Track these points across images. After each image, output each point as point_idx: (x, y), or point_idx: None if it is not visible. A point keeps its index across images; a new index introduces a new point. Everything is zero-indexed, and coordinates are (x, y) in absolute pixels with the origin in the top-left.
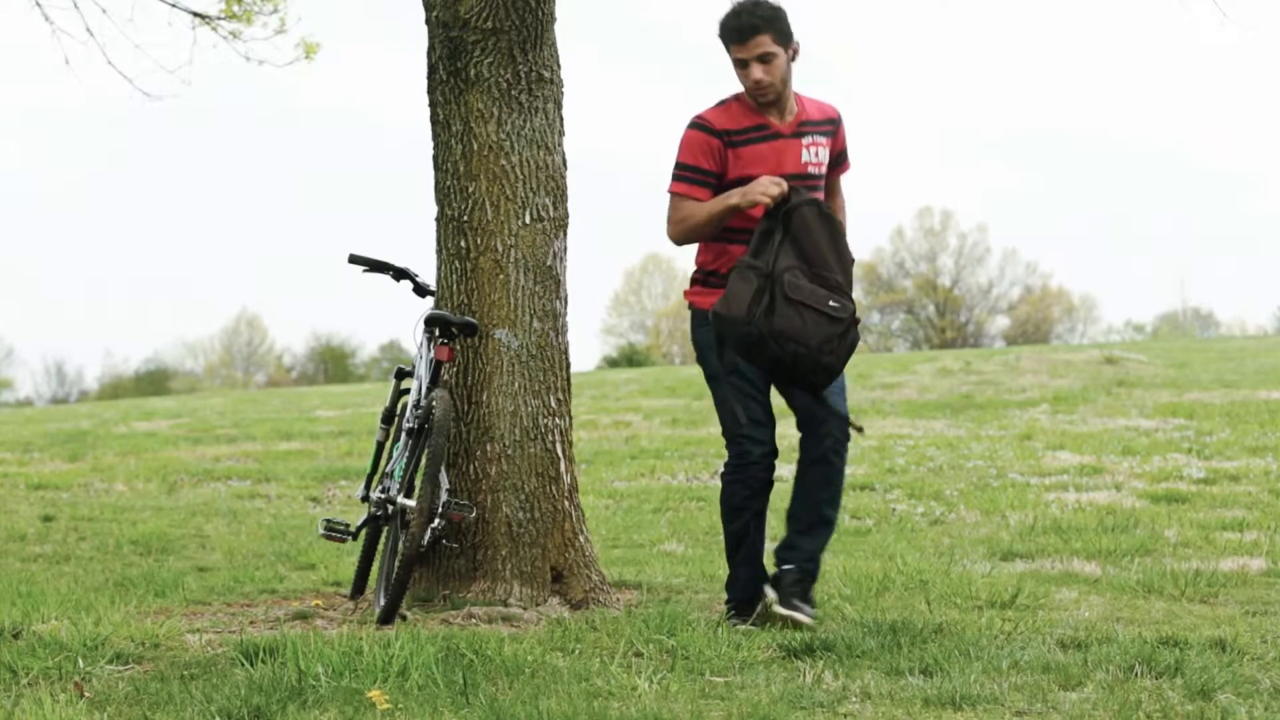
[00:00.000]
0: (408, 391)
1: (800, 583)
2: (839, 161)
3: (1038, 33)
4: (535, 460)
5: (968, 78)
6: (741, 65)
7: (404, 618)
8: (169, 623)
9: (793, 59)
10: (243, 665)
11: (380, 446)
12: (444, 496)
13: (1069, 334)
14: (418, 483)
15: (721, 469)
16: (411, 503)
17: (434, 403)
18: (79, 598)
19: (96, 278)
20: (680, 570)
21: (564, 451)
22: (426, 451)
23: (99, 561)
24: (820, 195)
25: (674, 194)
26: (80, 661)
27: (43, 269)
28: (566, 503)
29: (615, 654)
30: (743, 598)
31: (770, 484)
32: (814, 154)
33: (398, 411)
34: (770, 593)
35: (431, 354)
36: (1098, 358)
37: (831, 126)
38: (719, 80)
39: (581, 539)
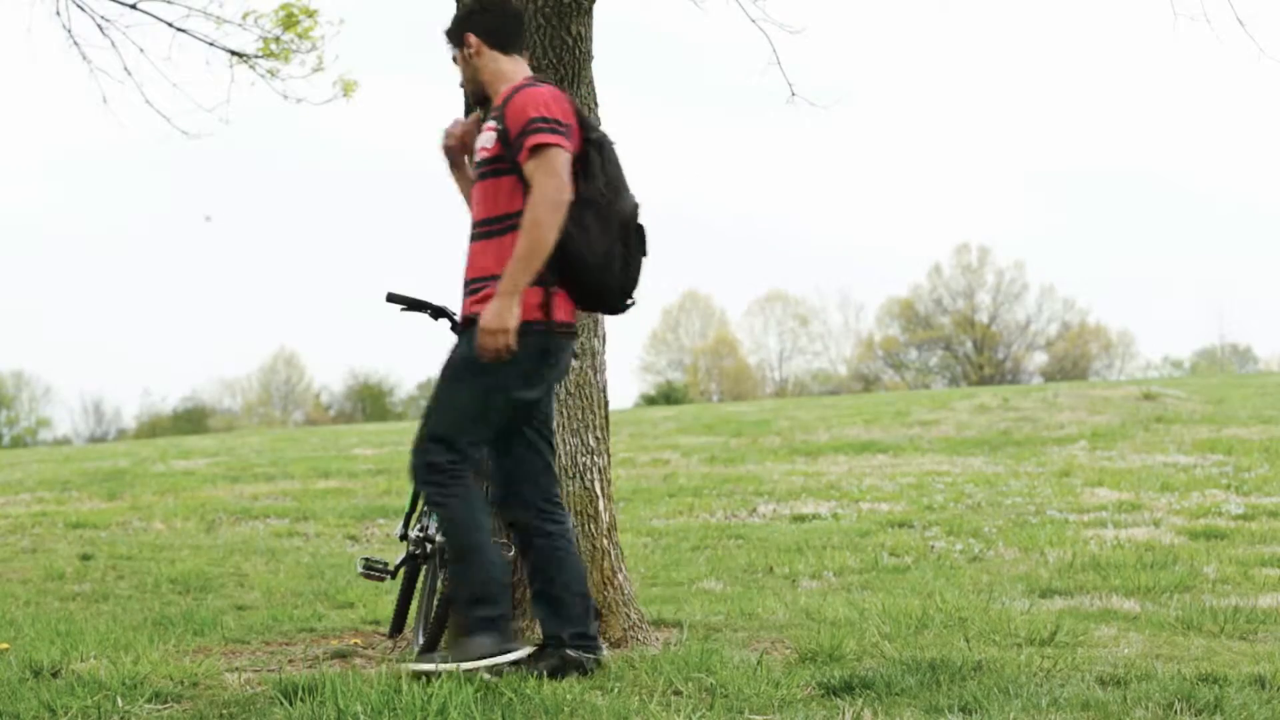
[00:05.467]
0: None
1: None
2: (516, 147)
3: (1075, 70)
4: (574, 498)
5: (1004, 115)
6: None
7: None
8: (208, 661)
9: (474, 54)
10: (282, 704)
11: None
12: None
13: (1107, 370)
14: None
15: None
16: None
17: None
18: (118, 636)
19: (134, 316)
20: (719, 608)
21: (602, 489)
22: None
23: (137, 600)
24: (494, 181)
25: None
26: (119, 700)
27: (81, 307)
28: (605, 541)
29: (654, 692)
30: None
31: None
32: (484, 140)
33: None
34: None
35: None
36: (1136, 394)
37: (502, 108)
38: (760, 118)
39: (620, 577)
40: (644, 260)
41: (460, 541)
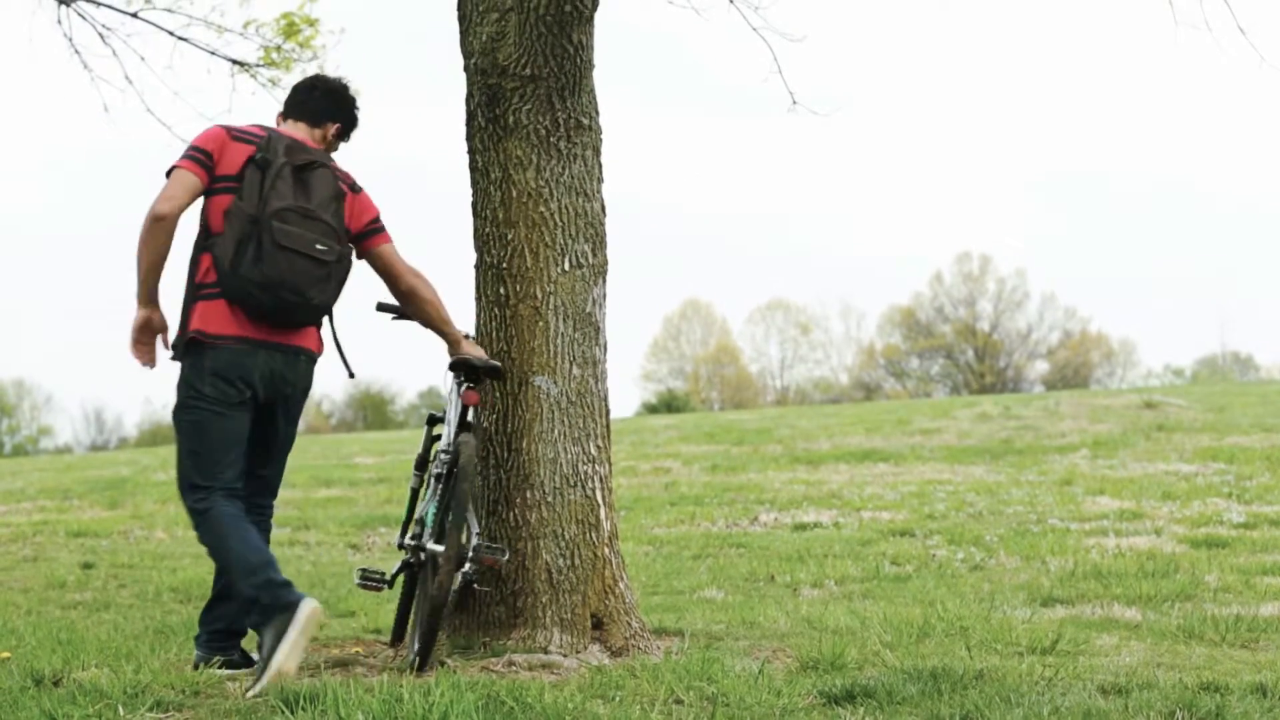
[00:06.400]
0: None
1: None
2: None
3: (1076, 76)
4: (575, 507)
5: (1006, 123)
6: None
7: (444, 664)
8: (209, 670)
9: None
10: (283, 713)
11: (415, 493)
12: (474, 540)
13: (1108, 378)
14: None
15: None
16: (441, 548)
17: (460, 447)
18: (119, 645)
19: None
20: (720, 617)
21: (604, 498)
22: (453, 496)
23: (139, 609)
24: None
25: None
26: (121, 709)
27: (82, 316)
28: (606, 549)
29: (656, 701)
30: None
31: None
32: None
33: (430, 457)
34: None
35: (460, 399)
36: (1137, 402)
37: None
38: (762, 125)
39: (621, 586)
40: (288, 258)
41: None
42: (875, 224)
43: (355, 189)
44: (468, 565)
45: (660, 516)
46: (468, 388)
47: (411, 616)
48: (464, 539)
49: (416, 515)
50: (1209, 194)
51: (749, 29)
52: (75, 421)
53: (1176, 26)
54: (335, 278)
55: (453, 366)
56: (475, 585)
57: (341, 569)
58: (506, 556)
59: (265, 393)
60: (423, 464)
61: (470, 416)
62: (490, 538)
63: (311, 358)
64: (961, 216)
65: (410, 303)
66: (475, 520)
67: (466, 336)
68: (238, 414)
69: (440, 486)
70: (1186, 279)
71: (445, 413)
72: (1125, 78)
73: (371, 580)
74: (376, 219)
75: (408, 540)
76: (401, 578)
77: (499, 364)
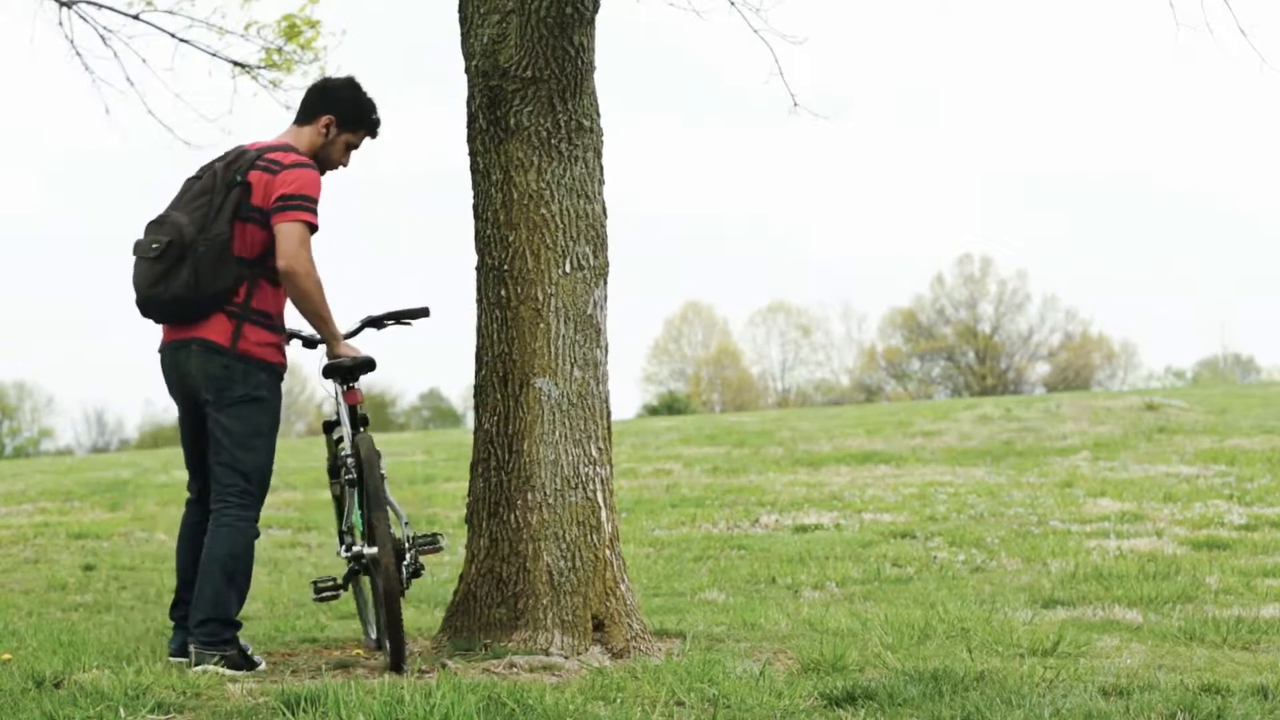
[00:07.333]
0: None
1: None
2: None
3: (1077, 77)
4: (576, 509)
5: (1007, 125)
6: (354, 147)
7: (444, 666)
8: (210, 670)
9: None
10: (284, 715)
11: (339, 501)
12: (406, 529)
13: (1109, 380)
14: (394, 527)
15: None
16: (374, 550)
17: (358, 445)
18: (120, 647)
19: (137, 326)
20: (721, 619)
21: (605, 500)
22: (368, 495)
23: (140, 611)
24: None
25: (315, 227)
26: (122, 711)
27: (83, 317)
28: (608, 551)
29: (657, 703)
30: None
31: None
32: None
33: (340, 463)
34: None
35: (344, 401)
36: (1138, 404)
37: None
38: (763, 127)
39: (623, 588)
40: (135, 264)
41: None
42: (876, 226)
43: (273, 170)
44: (407, 558)
45: (661, 518)
46: (348, 388)
47: (373, 618)
48: (396, 534)
49: (347, 524)
50: (1209, 195)
51: (750, 31)
52: (76, 424)
53: (1178, 28)
54: (190, 265)
55: (325, 373)
56: (421, 572)
57: (342, 571)
58: (443, 546)
59: (182, 388)
60: (335, 470)
61: (359, 413)
62: (491, 539)
63: (206, 346)
64: (962, 218)
65: (286, 287)
66: (399, 509)
67: (346, 336)
68: (182, 417)
69: (358, 489)
70: (1187, 281)
71: (339, 417)
72: (1126, 79)
73: (326, 590)
74: (285, 197)
75: (343, 552)
76: (353, 583)
77: (370, 357)
